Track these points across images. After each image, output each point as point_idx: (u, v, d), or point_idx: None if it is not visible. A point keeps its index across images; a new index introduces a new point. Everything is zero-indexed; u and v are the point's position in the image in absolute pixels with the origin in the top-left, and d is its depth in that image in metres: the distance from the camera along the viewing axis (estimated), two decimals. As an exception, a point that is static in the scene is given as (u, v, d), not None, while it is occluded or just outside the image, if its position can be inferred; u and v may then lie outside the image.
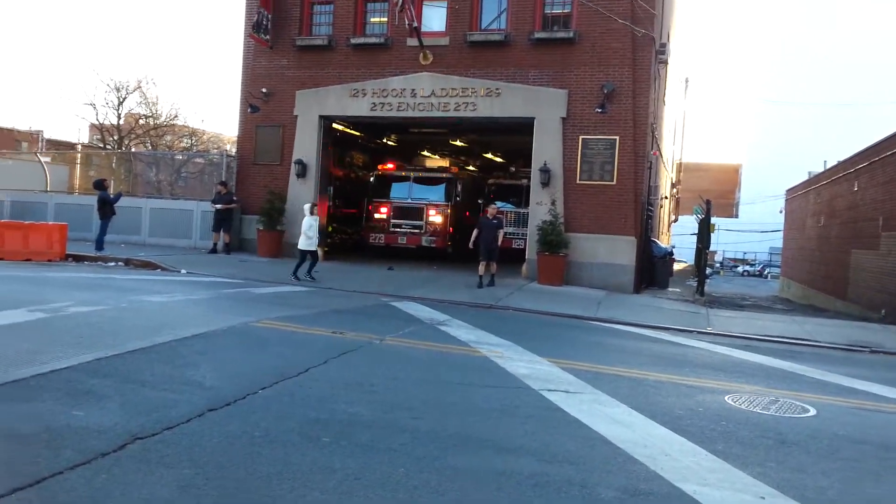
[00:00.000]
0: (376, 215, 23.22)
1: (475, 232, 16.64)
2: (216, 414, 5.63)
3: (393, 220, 22.88)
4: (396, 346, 9.26)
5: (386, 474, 4.64)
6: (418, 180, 23.22)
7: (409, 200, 22.82)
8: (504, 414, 6.38)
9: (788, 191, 39.37)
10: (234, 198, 20.88)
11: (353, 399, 6.43)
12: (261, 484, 4.36)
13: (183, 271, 16.27)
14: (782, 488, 4.90)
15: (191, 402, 5.84)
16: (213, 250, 20.35)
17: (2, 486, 3.99)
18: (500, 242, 16.77)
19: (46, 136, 50.60)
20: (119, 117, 40.19)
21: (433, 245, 22.37)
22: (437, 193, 22.93)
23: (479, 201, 25.12)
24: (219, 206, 20.43)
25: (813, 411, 7.25)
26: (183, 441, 4.95)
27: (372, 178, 23.96)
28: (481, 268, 16.57)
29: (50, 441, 4.75)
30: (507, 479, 4.71)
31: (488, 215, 16.81)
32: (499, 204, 20.34)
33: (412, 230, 22.54)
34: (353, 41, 20.63)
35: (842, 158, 27.46)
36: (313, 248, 15.98)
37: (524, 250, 19.51)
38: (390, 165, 23.94)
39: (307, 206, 16.41)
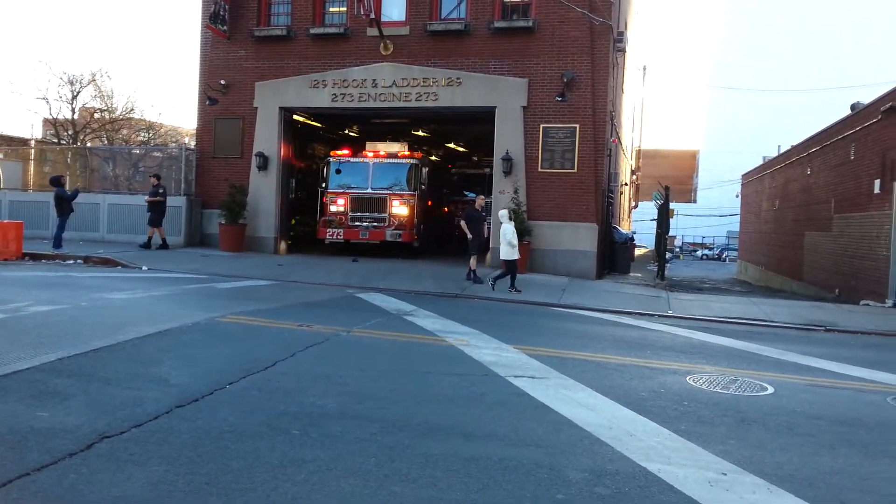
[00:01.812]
0: (333, 207, 20.81)
1: (464, 224, 16.05)
2: (184, 410, 5.60)
3: (352, 213, 20.54)
4: (363, 337, 9.29)
5: (357, 464, 4.68)
6: (379, 166, 20.84)
7: (370, 190, 20.61)
8: (471, 401, 6.45)
9: (744, 175, 40.11)
10: (160, 190, 19.99)
11: (321, 391, 6.45)
12: (232, 478, 4.37)
13: (144, 268, 16.06)
14: (743, 465, 5.06)
15: (158, 400, 5.81)
16: (146, 245, 19.67)
17: (-32, 489, 3.94)
18: (486, 235, 16.61)
19: (-3, 132, 49.23)
20: (73, 111, 39.26)
21: (399, 239, 20.25)
22: (400, 181, 20.75)
23: (445, 190, 24.85)
24: (146, 199, 20.01)
25: (771, 389, 7.46)
26: (151, 438, 4.93)
27: (325, 166, 21.38)
28: (473, 261, 16.00)
29: (15, 443, 4.70)
30: (476, 465, 4.79)
31: (476, 206, 16.43)
32: (462, 193, 20.13)
33: (375, 223, 20.37)
34: (312, 31, 20.49)
35: (795, 143, 28.07)
36: (517, 257, 14.87)
37: (489, 239, 19.61)
38: (346, 151, 21.57)
39: (504, 213, 15.33)
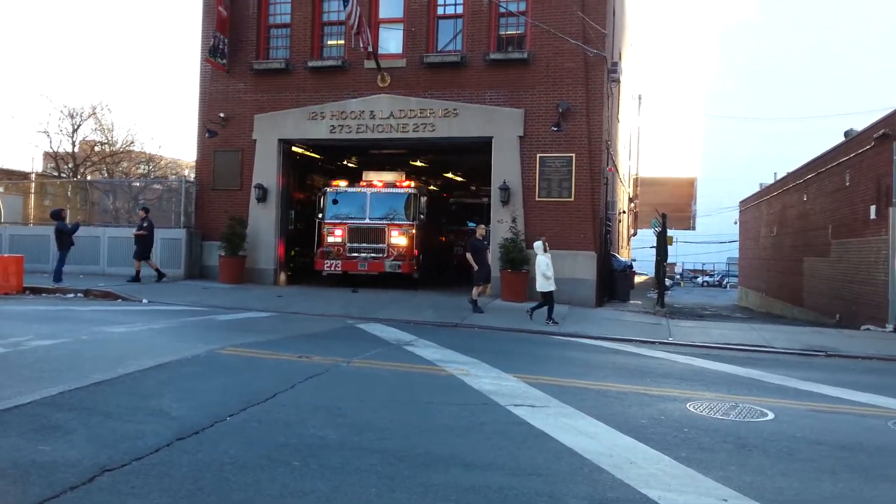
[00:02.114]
0: (330, 238, 20.53)
1: (469, 255, 16.05)
2: (185, 443, 5.61)
3: (350, 244, 20.25)
4: (363, 368, 9.29)
5: (357, 495, 4.69)
6: (376, 196, 20.60)
7: (368, 220, 20.33)
8: (471, 430, 6.46)
9: (742, 202, 40.30)
10: (144, 223, 19.97)
11: (321, 423, 6.45)
12: (233, 510, 4.38)
13: (144, 301, 16.08)
14: (744, 490, 5.06)
15: (158, 433, 5.82)
16: (135, 279, 19.49)
17: (-31, 523, 3.96)
18: (489, 263, 16.77)
19: (-2, 166, 49.43)
20: (74, 145, 39.52)
21: (399, 270, 20.00)
22: (399, 211, 20.55)
23: (443, 220, 24.88)
24: (134, 233, 20.09)
25: (771, 415, 7.46)
26: (153, 471, 4.93)
27: (322, 197, 21.01)
28: (475, 291, 15.95)
29: (17, 477, 4.71)
30: (476, 494, 4.79)
31: (478, 236, 16.48)
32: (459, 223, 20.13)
33: (374, 254, 20.05)
34: (310, 64, 20.73)
35: (791, 170, 28.25)
36: (553, 289, 14.73)
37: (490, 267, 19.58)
38: (343, 181, 21.42)
39: (539, 244, 15.12)
